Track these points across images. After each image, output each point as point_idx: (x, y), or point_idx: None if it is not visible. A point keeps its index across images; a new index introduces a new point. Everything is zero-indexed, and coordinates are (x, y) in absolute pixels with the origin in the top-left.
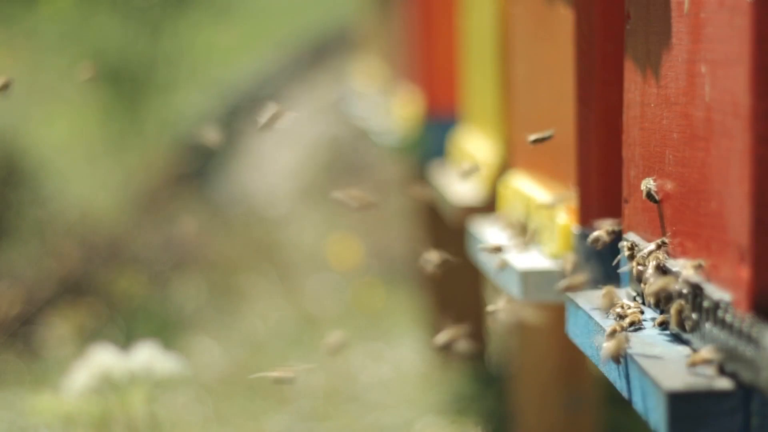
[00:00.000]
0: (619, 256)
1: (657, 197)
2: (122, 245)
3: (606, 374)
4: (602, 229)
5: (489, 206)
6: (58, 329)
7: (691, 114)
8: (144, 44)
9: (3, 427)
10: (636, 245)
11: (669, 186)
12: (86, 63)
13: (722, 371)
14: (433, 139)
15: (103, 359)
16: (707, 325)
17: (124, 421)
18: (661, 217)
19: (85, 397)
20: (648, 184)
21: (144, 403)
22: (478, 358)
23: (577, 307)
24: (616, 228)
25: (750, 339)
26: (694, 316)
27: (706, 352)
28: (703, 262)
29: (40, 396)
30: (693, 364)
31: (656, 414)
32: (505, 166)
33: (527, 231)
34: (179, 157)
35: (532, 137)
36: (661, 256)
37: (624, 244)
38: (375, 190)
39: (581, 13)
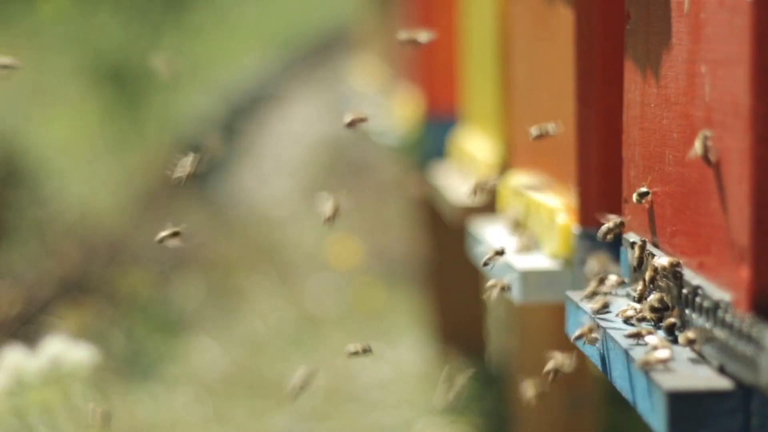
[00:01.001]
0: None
1: (648, 190)
2: (122, 245)
3: (606, 374)
4: (611, 222)
5: (489, 206)
6: (59, 329)
7: (691, 114)
8: (145, 44)
9: (3, 427)
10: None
11: (669, 186)
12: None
13: (722, 371)
14: (433, 139)
15: (14, 358)
16: (707, 325)
17: (42, 417)
18: (651, 218)
19: (2, 397)
20: (639, 190)
21: (61, 396)
22: (478, 358)
23: (577, 307)
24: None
25: (750, 339)
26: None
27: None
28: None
29: None
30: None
31: (656, 414)
32: (505, 166)
33: (526, 231)
34: (180, 157)
35: (534, 132)
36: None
37: (627, 245)
38: (375, 190)
39: (581, 13)
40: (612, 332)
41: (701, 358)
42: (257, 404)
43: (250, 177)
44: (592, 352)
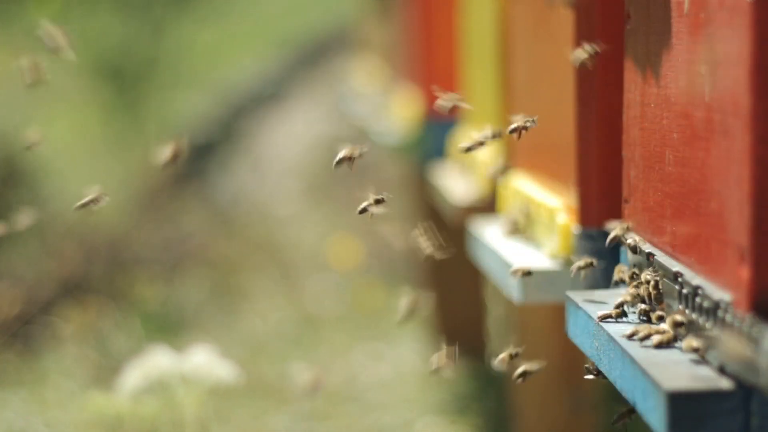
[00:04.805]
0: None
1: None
2: (122, 245)
3: (606, 374)
4: (617, 229)
5: (489, 206)
6: (58, 329)
7: (691, 114)
8: (145, 43)
9: (3, 427)
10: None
11: (669, 186)
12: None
13: (722, 371)
14: (433, 139)
15: (158, 361)
16: (707, 325)
17: (173, 424)
18: (651, 218)
19: (137, 397)
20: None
21: (195, 407)
22: (478, 358)
23: (577, 307)
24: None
25: (750, 339)
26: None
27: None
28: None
29: (91, 394)
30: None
31: (656, 414)
32: (505, 166)
33: (526, 230)
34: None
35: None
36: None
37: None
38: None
39: (581, 13)
40: (612, 332)
41: (701, 358)
42: (257, 404)
43: (250, 177)
44: (592, 352)
